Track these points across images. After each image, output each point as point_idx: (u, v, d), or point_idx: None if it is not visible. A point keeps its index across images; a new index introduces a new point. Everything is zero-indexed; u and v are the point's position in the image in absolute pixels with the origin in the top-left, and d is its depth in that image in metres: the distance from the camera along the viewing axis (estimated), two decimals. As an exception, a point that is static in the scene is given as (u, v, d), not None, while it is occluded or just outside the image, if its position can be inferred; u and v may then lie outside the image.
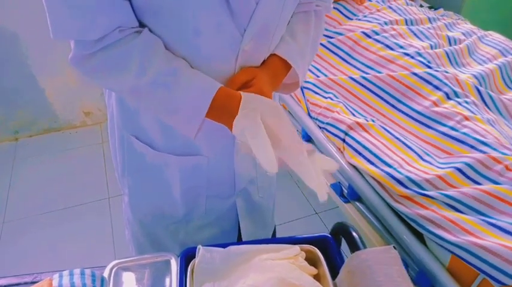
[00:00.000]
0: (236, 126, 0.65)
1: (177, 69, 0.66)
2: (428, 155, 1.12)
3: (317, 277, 0.72)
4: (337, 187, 1.28)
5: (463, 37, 1.60)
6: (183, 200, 0.89)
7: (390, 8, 1.69)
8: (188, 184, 0.86)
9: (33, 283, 0.69)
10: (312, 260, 0.74)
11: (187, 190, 0.87)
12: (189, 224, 0.94)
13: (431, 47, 1.46)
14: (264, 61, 0.77)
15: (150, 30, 0.66)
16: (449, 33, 1.61)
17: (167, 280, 0.71)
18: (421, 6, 1.95)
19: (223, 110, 0.67)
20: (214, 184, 0.88)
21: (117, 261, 0.74)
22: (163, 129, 0.78)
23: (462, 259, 0.88)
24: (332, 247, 0.78)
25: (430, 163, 1.09)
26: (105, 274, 0.71)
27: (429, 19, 1.68)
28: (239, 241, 1.00)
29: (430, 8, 1.98)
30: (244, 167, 0.88)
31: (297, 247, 0.74)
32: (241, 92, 0.68)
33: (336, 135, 1.26)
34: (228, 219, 0.96)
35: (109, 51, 0.62)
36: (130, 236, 1.05)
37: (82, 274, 0.66)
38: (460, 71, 1.40)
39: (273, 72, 0.77)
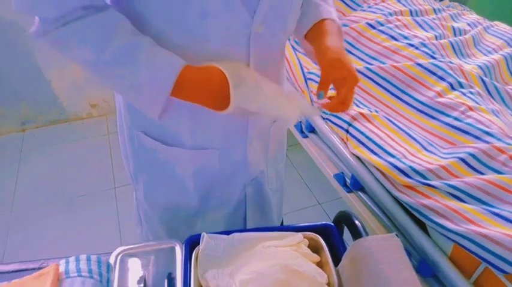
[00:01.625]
0: (236, 102, 0.64)
1: (140, 44, 0.62)
2: (432, 145, 1.12)
3: (320, 264, 0.73)
4: (340, 177, 1.28)
5: (468, 28, 1.58)
6: (198, 193, 0.88)
7: (395, -2, 1.68)
8: (202, 177, 0.85)
9: (40, 268, 0.71)
10: (314, 248, 0.75)
11: (201, 183, 0.86)
12: (206, 216, 0.93)
13: (436, 38, 1.45)
14: (317, 31, 0.77)
15: (146, 21, 0.63)
16: (455, 24, 1.59)
17: (172, 267, 0.72)
18: (427, -4, 1.93)
19: (198, 88, 0.65)
20: (227, 176, 0.87)
21: (122, 248, 0.75)
22: (170, 124, 0.77)
23: (465, 248, 0.88)
24: (335, 234, 0.78)
25: (434, 154, 1.08)
26: (111, 260, 0.72)
27: (434, 10, 1.66)
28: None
29: (435, -2, 1.96)
30: (255, 157, 0.87)
31: (300, 235, 0.75)
32: (218, 65, 0.64)
33: (339, 126, 1.26)
34: (240, 211, 0.96)
35: (69, 26, 0.59)
36: (145, 233, 1.03)
37: (88, 260, 0.67)
38: (465, 62, 1.39)
39: (338, 37, 0.76)
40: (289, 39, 1.60)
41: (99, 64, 0.62)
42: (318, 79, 1.44)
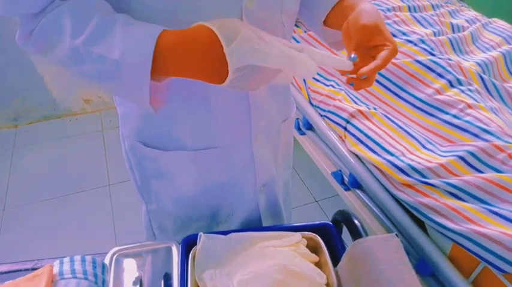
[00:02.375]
0: (235, 59, 0.51)
1: (115, 19, 0.56)
2: (430, 143, 1.11)
3: (318, 264, 0.72)
4: (338, 175, 1.28)
5: (466, 24, 1.58)
6: (207, 201, 0.85)
7: (393, -6, 1.67)
8: (208, 182, 0.82)
9: (34, 269, 0.69)
10: (313, 248, 0.74)
11: (209, 190, 0.83)
12: (220, 227, 0.90)
13: (435, 34, 1.44)
14: (340, 11, 0.68)
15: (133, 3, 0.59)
16: (453, 21, 1.59)
17: (168, 267, 0.71)
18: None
19: (184, 52, 0.54)
20: (235, 179, 0.83)
21: (118, 248, 0.74)
22: (168, 126, 0.74)
23: (464, 247, 0.88)
24: (333, 234, 0.77)
25: (433, 151, 1.08)
26: (106, 260, 0.71)
27: (432, 6, 1.65)
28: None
29: (433, -6, 1.95)
30: (264, 157, 0.83)
31: (298, 235, 0.74)
32: (203, 23, 0.53)
33: (337, 124, 1.25)
34: (254, 222, 0.92)
35: (47, 17, 0.56)
36: None
37: (83, 260, 0.66)
38: (463, 59, 1.38)
39: (371, 5, 0.65)
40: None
41: (78, 51, 0.56)
42: (316, 76, 1.42)
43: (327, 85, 1.37)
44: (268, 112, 0.79)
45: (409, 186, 1.02)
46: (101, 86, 0.61)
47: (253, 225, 0.93)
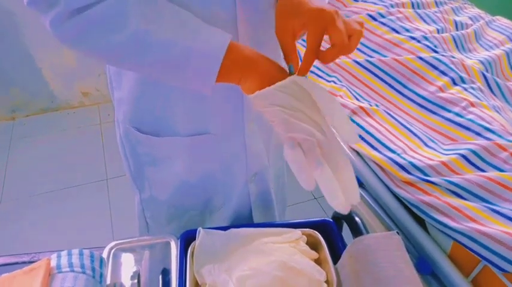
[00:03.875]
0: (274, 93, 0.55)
1: (185, 12, 0.57)
2: (432, 141, 1.11)
3: (318, 261, 0.71)
4: (338, 172, 1.27)
5: (470, 22, 1.56)
6: (200, 187, 0.85)
7: (396, -10, 1.65)
8: (202, 169, 0.82)
9: (31, 262, 0.68)
10: (313, 245, 0.73)
11: (202, 176, 0.84)
12: (212, 215, 0.90)
13: (438, 31, 1.43)
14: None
15: None
16: (456, 18, 1.57)
17: (167, 262, 0.70)
18: (428, -11, 1.91)
19: (248, 57, 0.58)
20: (227, 167, 0.84)
21: (116, 242, 0.73)
22: (161, 111, 0.74)
23: (464, 245, 0.87)
24: (333, 231, 0.77)
25: (435, 149, 1.07)
26: (104, 254, 0.70)
27: (436, 3, 1.64)
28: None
29: (436, -9, 1.94)
30: (255, 145, 0.84)
31: (298, 231, 0.73)
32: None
33: (338, 120, 1.24)
34: (245, 211, 0.93)
35: (103, 4, 0.53)
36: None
37: (81, 254, 0.65)
38: (466, 57, 1.37)
39: None
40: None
41: (144, 36, 0.54)
42: (317, 71, 1.41)
43: (329, 81, 1.36)
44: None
45: (410, 184, 1.01)
46: (159, 73, 0.59)
47: (245, 215, 0.93)
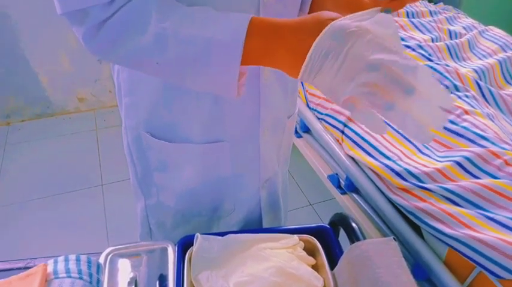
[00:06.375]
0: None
1: (201, 8, 0.56)
2: (427, 148, 1.12)
3: (315, 267, 0.71)
4: (334, 179, 1.27)
5: (463, 31, 1.59)
6: (210, 196, 0.84)
7: (391, -1, 1.68)
8: (213, 177, 0.81)
9: (26, 268, 0.68)
10: (310, 251, 0.73)
11: (213, 184, 0.82)
12: (220, 222, 0.89)
13: (433, 40, 1.45)
14: None
15: None
16: (450, 27, 1.60)
17: (164, 268, 0.70)
18: (422, -1, 1.94)
19: (273, 35, 0.51)
20: (240, 175, 0.83)
21: (112, 247, 0.72)
22: (176, 117, 0.73)
23: (459, 252, 0.88)
24: (330, 237, 0.77)
25: (429, 156, 1.08)
26: (101, 260, 0.70)
27: (430, 12, 1.67)
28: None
29: (429, 1, 1.97)
30: (269, 152, 0.83)
31: (295, 237, 0.73)
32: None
33: (334, 127, 1.25)
34: (255, 217, 0.92)
35: (123, 10, 0.53)
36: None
37: (78, 260, 0.64)
38: (460, 65, 1.39)
39: None
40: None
41: (165, 34, 0.54)
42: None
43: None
44: (277, 107, 0.78)
45: (406, 190, 1.02)
46: (183, 71, 0.58)
47: (254, 221, 0.91)
